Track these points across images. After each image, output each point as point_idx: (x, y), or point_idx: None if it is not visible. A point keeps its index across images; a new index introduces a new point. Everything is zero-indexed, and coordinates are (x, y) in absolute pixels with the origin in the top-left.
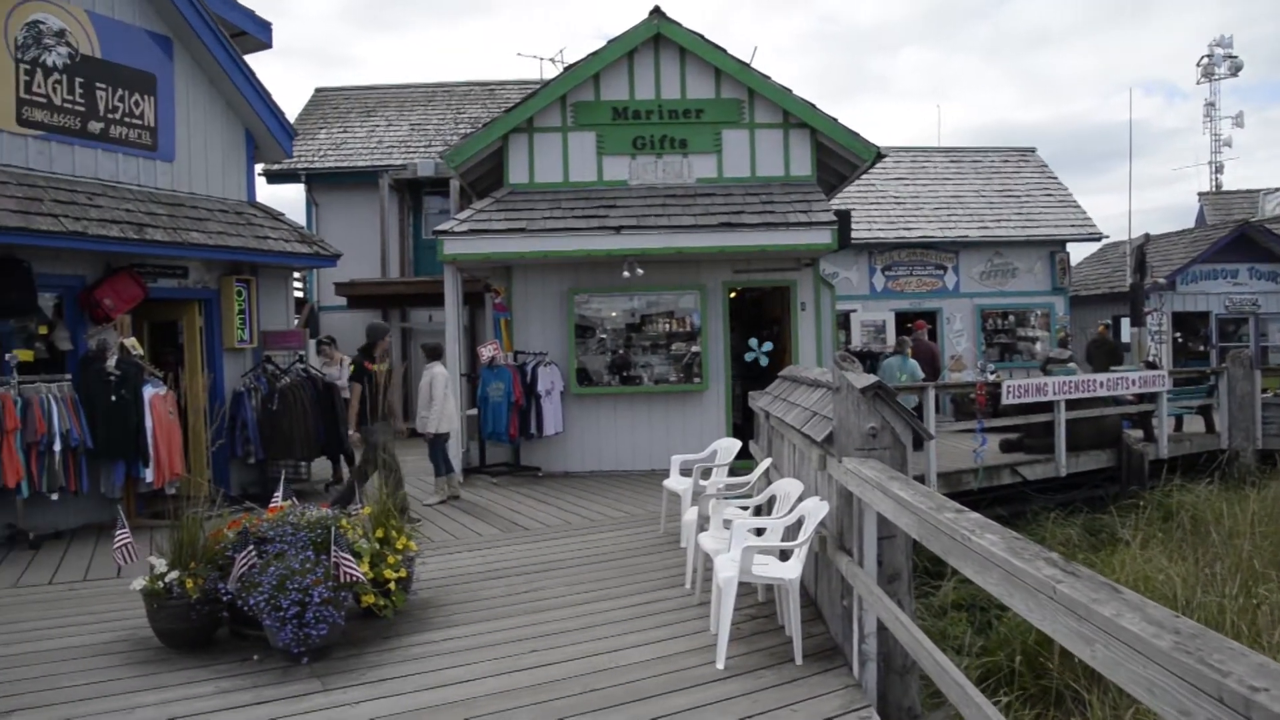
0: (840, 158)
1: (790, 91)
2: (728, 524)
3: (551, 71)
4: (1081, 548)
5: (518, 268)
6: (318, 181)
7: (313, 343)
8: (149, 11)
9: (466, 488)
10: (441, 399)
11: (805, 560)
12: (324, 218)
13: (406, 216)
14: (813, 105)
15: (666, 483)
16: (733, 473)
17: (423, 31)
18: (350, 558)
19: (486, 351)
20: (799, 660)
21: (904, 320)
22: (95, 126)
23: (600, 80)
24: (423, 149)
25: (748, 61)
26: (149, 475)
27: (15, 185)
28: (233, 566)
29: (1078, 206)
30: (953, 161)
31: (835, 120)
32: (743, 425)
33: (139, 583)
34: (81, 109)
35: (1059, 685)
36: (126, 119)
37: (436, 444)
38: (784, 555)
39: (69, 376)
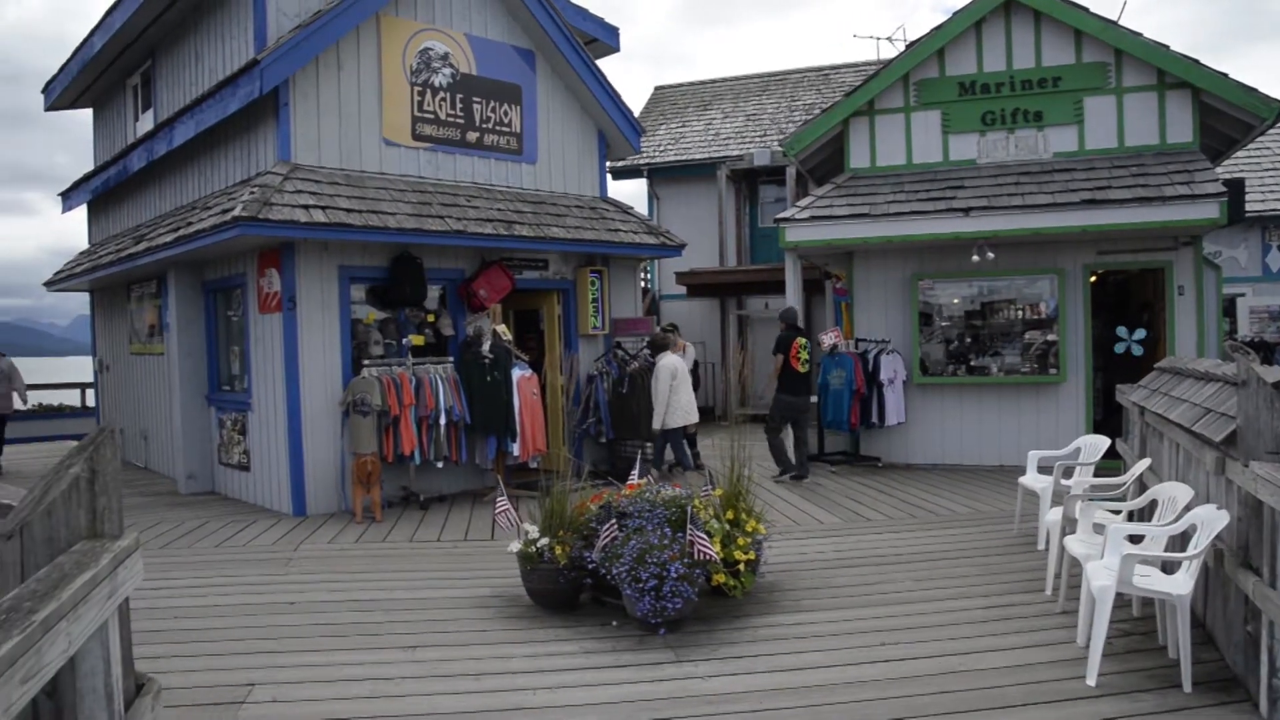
0: (1230, 119)
1: (1167, 48)
2: (1098, 528)
3: (889, 51)
4: None
5: (859, 254)
6: (658, 175)
7: (658, 329)
8: (516, 29)
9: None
10: (666, 393)
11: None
12: (664, 210)
13: (743, 206)
14: (1195, 61)
15: (1023, 480)
16: (1096, 473)
17: (755, 23)
18: (704, 536)
19: (828, 339)
20: (1187, 687)
21: None
22: (472, 136)
23: (945, 55)
24: (758, 139)
25: (1114, 19)
26: (515, 449)
27: (411, 192)
28: (595, 537)
29: None
30: None
31: (1224, 76)
32: (1103, 421)
33: (515, 546)
34: (461, 121)
35: None
36: (497, 128)
37: (668, 437)
38: (1165, 567)
39: (451, 359)
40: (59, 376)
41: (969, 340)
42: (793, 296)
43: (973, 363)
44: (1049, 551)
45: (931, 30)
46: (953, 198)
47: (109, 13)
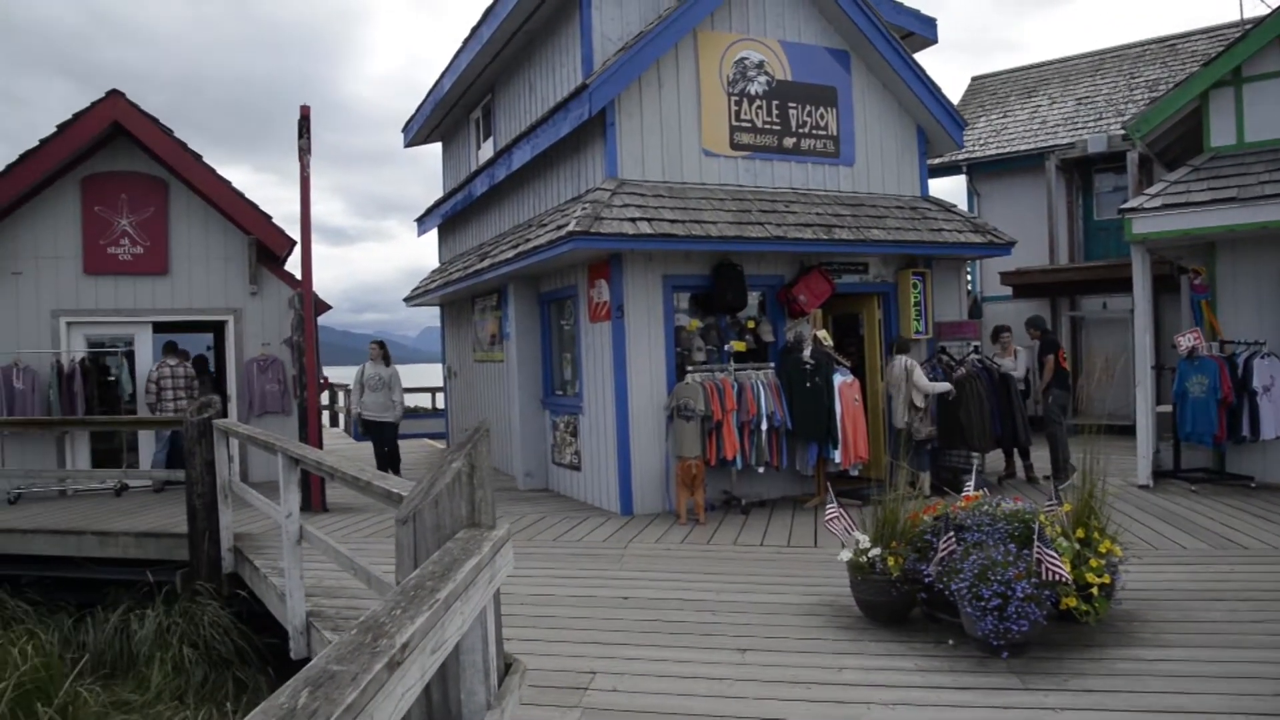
0: None
1: None
2: None
3: (1255, 10)
4: None
5: (1223, 244)
6: (978, 171)
7: (988, 333)
8: (829, 31)
9: (1158, 494)
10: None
11: None
12: (985, 206)
13: (1075, 198)
14: None
15: None
16: None
17: (1084, 1)
18: (1054, 555)
19: (1185, 341)
20: None
21: None
22: (788, 142)
23: None
24: (1091, 124)
25: None
26: (837, 456)
27: (730, 201)
28: (930, 549)
29: None
30: None
31: None
32: None
33: (845, 555)
34: (777, 128)
35: None
36: (813, 132)
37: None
38: None
39: (771, 365)
40: (412, 382)
41: None
42: (1141, 295)
43: None
44: None
45: None
46: None
47: (455, 57)
